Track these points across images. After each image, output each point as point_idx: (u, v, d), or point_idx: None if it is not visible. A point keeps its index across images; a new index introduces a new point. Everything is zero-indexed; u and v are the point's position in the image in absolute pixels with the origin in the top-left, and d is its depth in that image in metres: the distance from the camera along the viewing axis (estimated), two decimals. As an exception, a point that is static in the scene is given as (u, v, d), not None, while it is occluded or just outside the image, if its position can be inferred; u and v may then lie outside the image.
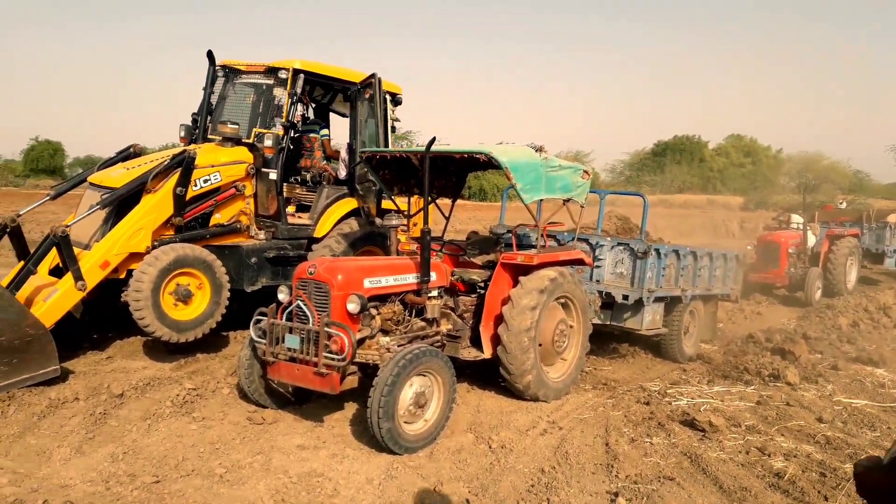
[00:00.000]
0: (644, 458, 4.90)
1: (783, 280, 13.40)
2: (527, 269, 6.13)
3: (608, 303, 7.77)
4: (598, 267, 7.83)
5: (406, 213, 6.90)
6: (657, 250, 7.72)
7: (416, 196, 7.21)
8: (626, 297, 7.57)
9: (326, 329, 4.79)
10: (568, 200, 6.60)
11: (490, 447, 5.01)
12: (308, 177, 8.11)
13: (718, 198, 42.88)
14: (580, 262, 6.88)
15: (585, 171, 6.83)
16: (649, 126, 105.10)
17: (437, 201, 7.18)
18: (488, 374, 6.33)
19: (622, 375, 7.53)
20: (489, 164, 6.30)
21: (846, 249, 14.02)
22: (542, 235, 6.56)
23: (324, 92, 8.86)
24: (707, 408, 6.12)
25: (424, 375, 4.92)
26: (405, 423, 4.79)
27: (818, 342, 9.12)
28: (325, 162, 8.32)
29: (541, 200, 6.37)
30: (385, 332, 5.36)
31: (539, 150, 6.26)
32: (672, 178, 48.28)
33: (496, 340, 5.96)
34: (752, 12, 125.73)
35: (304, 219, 7.73)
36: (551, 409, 6.01)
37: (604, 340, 8.55)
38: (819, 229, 14.35)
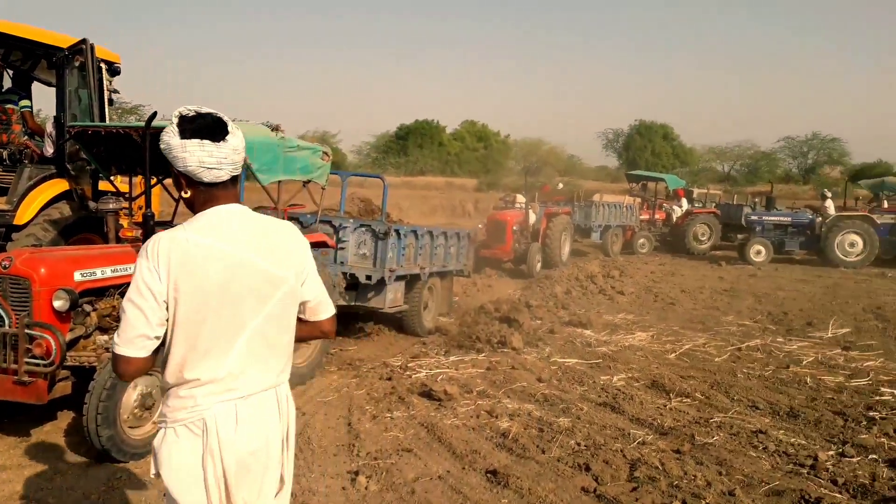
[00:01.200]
0: (385, 433, 5.05)
1: (509, 255, 14.72)
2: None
3: (353, 283, 7.86)
4: (341, 249, 7.87)
5: (127, 195, 6.26)
6: (397, 231, 7.98)
7: (139, 177, 6.57)
8: (369, 278, 7.72)
9: (27, 331, 4.17)
10: (308, 182, 6.50)
11: (229, 441, 4.78)
12: (5, 154, 6.98)
13: (456, 180, 45.65)
14: (323, 244, 6.84)
15: (325, 153, 6.78)
16: (394, 109, 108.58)
17: (166, 182, 6.63)
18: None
19: (367, 354, 7.68)
20: (221, 143, 5.93)
21: (561, 226, 15.78)
22: (282, 218, 6.37)
23: (23, 57, 7.66)
24: (443, 378, 6.49)
25: (151, 374, 4.52)
26: (130, 427, 4.37)
27: (538, 309, 10.14)
28: (26, 137, 7.23)
29: (279, 181, 6.19)
30: (103, 330, 4.82)
31: (275, 129, 6.05)
32: (415, 161, 50.36)
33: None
34: (482, 8, 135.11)
35: (1, 203, 6.65)
36: (295, 395, 5.90)
37: (350, 320, 8.65)
38: (539, 208, 15.95)
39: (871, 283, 14.82)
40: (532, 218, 15.34)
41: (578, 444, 4.96)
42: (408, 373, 6.70)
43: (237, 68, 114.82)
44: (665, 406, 5.98)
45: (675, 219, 21.52)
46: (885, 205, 22.56)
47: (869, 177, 34.39)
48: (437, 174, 47.99)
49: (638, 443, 5.04)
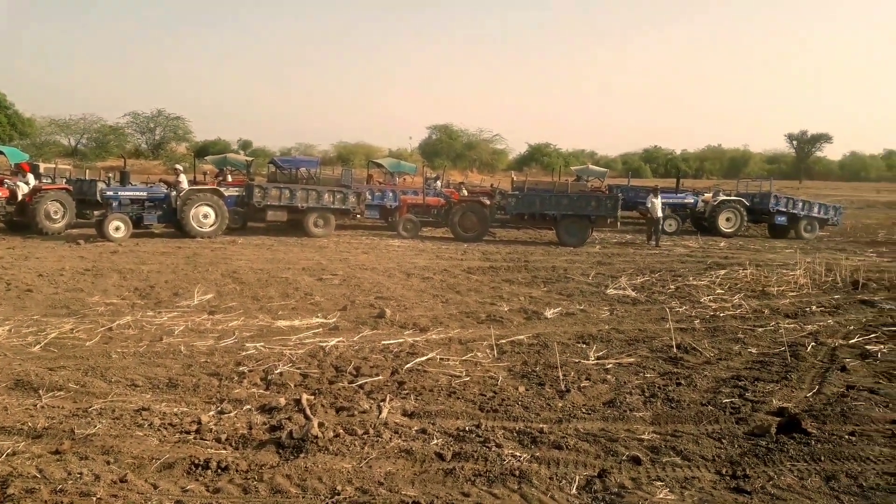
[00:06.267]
0: None
1: None
2: None
3: None
4: None
5: None
6: None
7: None
8: None
9: None
10: None
11: None
12: None
13: None
14: None
15: None
16: None
17: None
18: None
19: None
20: None
21: None
22: None
23: None
24: None
25: None
26: None
27: None
28: None
29: None
30: None
31: None
32: None
33: None
34: None
35: None
36: None
37: None
38: None
39: (226, 250, 16.35)
40: None
41: (-76, 480, 3.97)
42: None
43: None
44: (35, 405, 5.34)
45: (20, 196, 19.19)
46: (230, 179, 25.19)
47: (213, 153, 37.82)
48: None
49: (7, 455, 4.37)
